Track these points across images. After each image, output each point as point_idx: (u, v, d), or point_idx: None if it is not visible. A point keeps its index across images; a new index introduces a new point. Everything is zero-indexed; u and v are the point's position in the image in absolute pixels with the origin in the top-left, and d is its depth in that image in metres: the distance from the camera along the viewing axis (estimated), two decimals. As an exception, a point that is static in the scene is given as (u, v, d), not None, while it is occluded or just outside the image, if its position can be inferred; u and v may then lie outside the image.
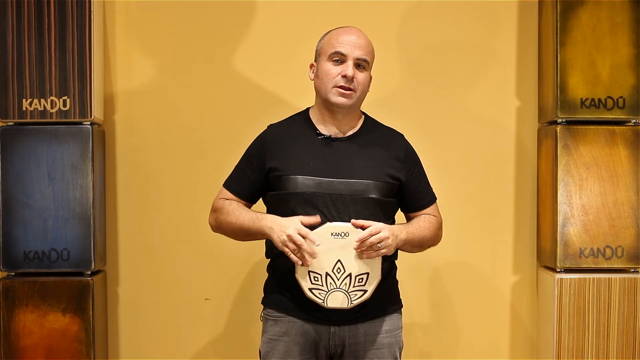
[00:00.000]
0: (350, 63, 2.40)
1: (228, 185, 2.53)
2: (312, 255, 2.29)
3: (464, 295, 3.33)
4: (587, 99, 3.06)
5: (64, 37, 3.02)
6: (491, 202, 3.32)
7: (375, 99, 3.13)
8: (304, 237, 2.28)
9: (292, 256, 2.29)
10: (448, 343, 3.34)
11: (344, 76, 2.39)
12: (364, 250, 2.30)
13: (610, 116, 3.07)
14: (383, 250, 2.31)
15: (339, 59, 2.41)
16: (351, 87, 2.40)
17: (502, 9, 3.31)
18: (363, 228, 2.31)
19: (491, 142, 3.32)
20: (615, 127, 3.07)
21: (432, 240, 2.52)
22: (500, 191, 3.33)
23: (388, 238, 2.31)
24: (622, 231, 3.05)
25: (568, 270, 3.06)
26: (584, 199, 3.06)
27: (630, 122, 3.09)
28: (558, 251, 3.05)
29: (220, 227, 2.50)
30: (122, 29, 3.27)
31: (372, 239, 2.29)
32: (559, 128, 3.06)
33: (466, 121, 3.31)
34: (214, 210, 2.52)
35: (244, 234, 2.45)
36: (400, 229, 2.40)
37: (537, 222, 3.29)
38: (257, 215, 2.41)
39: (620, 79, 3.06)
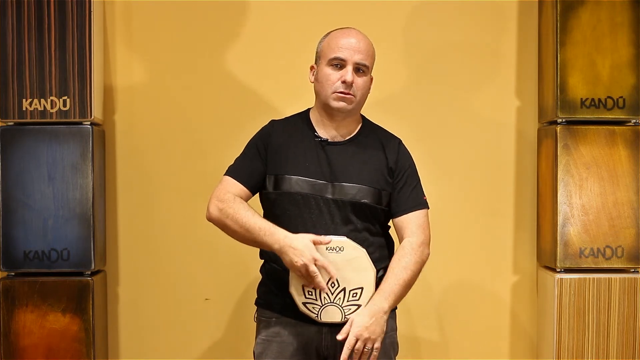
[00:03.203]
0: (349, 68, 2.37)
1: (234, 173, 2.43)
2: (322, 289, 2.27)
3: (464, 295, 3.33)
4: (587, 99, 3.06)
5: (64, 37, 3.02)
6: (491, 202, 3.32)
7: (376, 99, 3.14)
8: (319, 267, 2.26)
9: (305, 281, 2.27)
10: (448, 343, 3.34)
11: (344, 82, 2.37)
12: None
13: (610, 116, 3.07)
14: (376, 346, 2.27)
15: (339, 63, 2.39)
16: (350, 92, 2.38)
17: (502, 9, 3.31)
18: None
19: (491, 142, 3.32)
20: (615, 127, 3.07)
21: (416, 272, 2.40)
22: (500, 191, 3.33)
23: (369, 338, 2.26)
24: (622, 231, 3.05)
25: (568, 270, 3.06)
26: (584, 199, 3.06)
27: (630, 122, 3.09)
28: (558, 251, 3.05)
29: (222, 221, 2.37)
30: (122, 29, 3.27)
31: (355, 356, 2.25)
32: (559, 128, 3.06)
33: (466, 121, 3.31)
34: (220, 200, 2.38)
35: (248, 239, 2.36)
36: (381, 302, 2.30)
37: (537, 222, 3.29)
38: (269, 227, 2.31)
39: (620, 79, 3.06)
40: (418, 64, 3.31)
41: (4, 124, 3.07)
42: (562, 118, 3.06)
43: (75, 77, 3.03)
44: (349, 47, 2.38)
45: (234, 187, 2.42)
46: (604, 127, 3.07)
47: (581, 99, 3.06)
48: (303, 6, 3.28)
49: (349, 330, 2.26)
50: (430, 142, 3.28)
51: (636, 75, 3.06)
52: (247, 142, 2.52)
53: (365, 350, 2.26)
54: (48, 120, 3.03)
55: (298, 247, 2.26)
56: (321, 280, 2.25)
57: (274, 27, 3.29)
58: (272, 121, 2.54)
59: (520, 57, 3.31)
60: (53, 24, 3.02)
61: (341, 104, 2.39)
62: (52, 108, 3.03)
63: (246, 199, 2.43)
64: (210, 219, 2.41)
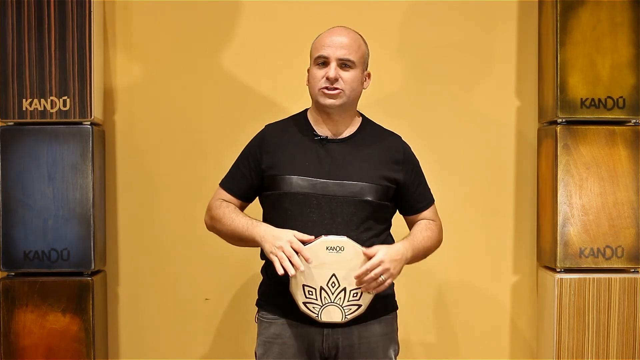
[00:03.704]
0: (332, 65, 2.38)
1: (224, 184, 2.52)
2: (298, 267, 2.25)
3: (464, 295, 3.33)
4: (587, 99, 3.06)
5: (64, 37, 3.02)
6: (491, 202, 3.32)
7: (376, 99, 3.15)
8: (296, 252, 2.26)
9: (277, 265, 2.25)
10: (448, 343, 3.34)
11: (328, 78, 2.38)
12: (364, 285, 2.28)
13: (610, 116, 3.07)
14: (387, 282, 2.29)
15: (323, 61, 2.40)
16: (337, 86, 2.38)
17: (502, 9, 3.31)
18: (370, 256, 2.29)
19: (491, 143, 3.32)
20: (615, 127, 3.07)
21: (435, 247, 2.53)
22: (500, 191, 3.33)
23: (389, 269, 2.28)
24: (622, 231, 3.05)
25: (568, 270, 3.06)
26: (584, 199, 3.06)
27: (630, 122, 3.09)
28: (558, 251, 3.05)
29: (214, 227, 2.49)
30: (122, 29, 3.27)
31: (372, 275, 2.27)
32: (559, 128, 3.06)
33: (466, 121, 3.31)
34: (209, 209, 2.50)
35: (237, 238, 2.43)
36: (406, 247, 2.37)
37: (537, 222, 3.29)
38: (252, 222, 2.39)
39: (620, 79, 3.06)
40: (418, 63, 3.31)
41: (4, 124, 3.07)
42: (562, 118, 3.06)
43: (75, 77, 3.03)
44: (331, 45, 2.39)
45: (224, 197, 2.50)
46: (604, 127, 3.07)
47: (581, 99, 3.06)
48: (301, 6, 3.28)
49: (376, 253, 2.28)
50: (430, 142, 3.28)
51: (636, 75, 3.06)
52: (243, 148, 2.54)
53: (381, 278, 2.28)
54: (48, 120, 3.03)
55: (276, 234, 2.31)
56: (295, 260, 2.24)
57: (273, 26, 3.29)
58: (267, 125, 2.54)
59: (520, 57, 3.31)
60: (53, 24, 3.02)
61: (328, 101, 2.40)
62: (52, 108, 3.03)
63: (241, 208, 2.51)
64: (207, 228, 2.54)
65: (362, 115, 2.53)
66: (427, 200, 2.55)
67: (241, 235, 2.40)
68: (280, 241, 2.28)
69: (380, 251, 2.29)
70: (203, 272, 3.30)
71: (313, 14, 3.25)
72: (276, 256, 2.27)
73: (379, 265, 2.27)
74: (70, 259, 3.03)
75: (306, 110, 2.53)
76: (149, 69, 3.29)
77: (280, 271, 2.25)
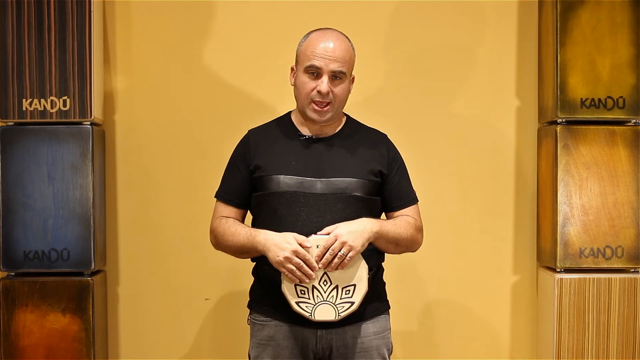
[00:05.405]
0: (325, 78, 2.35)
1: (220, 196, 2.51)
2: (310, 276, 2.27)
3: (464, 295, 3.33)
4: (587, 99, 3.06)
5: (64, 37, 3.02)
6: (491, 202, 3.32)
7: (376, 99, 3.14)
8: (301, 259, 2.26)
9: (291, 277, 2.27)
10: (448, 343, 3.33)
11: (319, 91, 2.36)
12: (328, 266, 2.27)
13: (610, 116, 3.07)
14: (349, 255, 2.27)
15: (314, 72, 2.36)
16: (327, 100, 2.37)
17: (502, 9, 3.31)
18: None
19: (491, 143, 3.32)
20: (615, 127, 3.07)
21: (409, 240, 2.44)
22: (500, 191, 3.33)
23: (346, 242, 2.26)
24: (622, 231, 3.05)
25: (568, 270, 3.06)
26: (584, 199, 3.06)
27: (630, 122, 3.09)
28: (558, 251, 3.05)
29: (220, 246, 2.48)
30: (122, 29, 3.28)
31: (329, 251, 2.26)
32: (559, 128, 3.06)
33: (466, 121, 3.31)
34: (211, 231, 2.50)
35: (242, 252, 2.42)
36: (372, 222, 2.33)
37: (537, 222, 3.29)
38: (251, 232, 2.38)
39: (620, 79, 3.06)
40: (418, 64, 3.31)
41: (4, 124, 3.07)
42: (562, 118, 3.06)
43: (75, 77, 3.03)
44: (324, 55, 2.34)
45: (224, 210, 2.50)
46: (604, 127, 3.07)
47: (581, 99, 3.06)
48: (301, 6, 3.28)
49: (332, 230, 2.28)
50: (430, 142, 3.28)
51: (636, 75, 3.06)
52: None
53: (340, 253, 2.26)
54: (48, 120, 3.03)
55: (278, 242, 2.29)
56: (307, 269, 2.26)
57: (273, 27, 3.29)
58: (250, 130, 2.54)
59: (520, 57, 3.31)
60: (53, 24, 3.02)
61: (316, 116, 2.39)
62: (52, 108, 3.03)
63: (242, 216, 2.51)
64: (215, 248, 2.53)
65: (346, 114, 2.53)
66: (407, 199, 2.50)
67: (244, 247, 2.39)
68: (285, 252, 2.27)
69: (337, 228, 2.28)
70: (203, 272, 3.30)
71: (312, 13, 3.25)
72: (284, 268, 2.27)
73: (334, 241, 2.26)
74: (70, 259, 3.03)
75: (289, 113, 2.53)
76: (148, 69, 3.29)
77: (297, 282, 2.28)
